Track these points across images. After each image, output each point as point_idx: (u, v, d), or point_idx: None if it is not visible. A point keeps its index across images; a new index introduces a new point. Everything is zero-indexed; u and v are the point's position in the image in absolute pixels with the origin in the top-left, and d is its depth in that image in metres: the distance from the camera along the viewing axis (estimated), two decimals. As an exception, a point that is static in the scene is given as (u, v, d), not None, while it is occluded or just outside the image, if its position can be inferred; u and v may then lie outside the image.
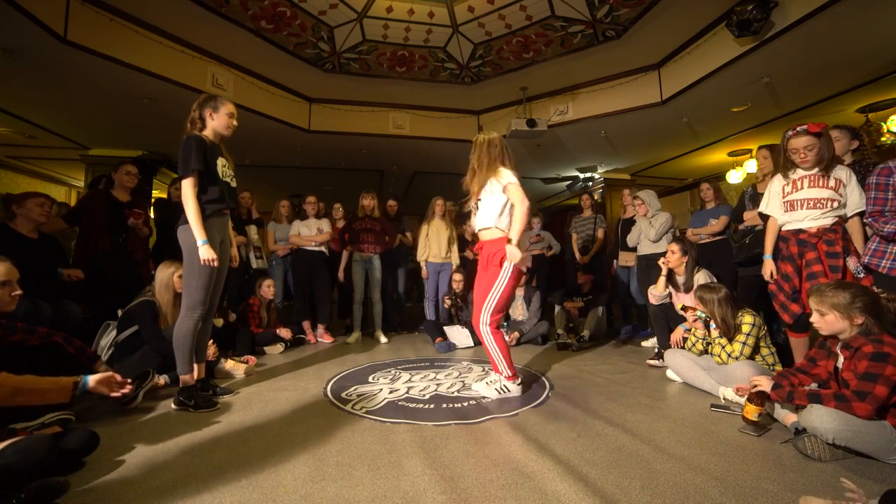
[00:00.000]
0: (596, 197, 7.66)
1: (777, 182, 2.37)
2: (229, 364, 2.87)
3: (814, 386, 1.80)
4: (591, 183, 8.19)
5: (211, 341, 2.53)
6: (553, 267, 5.67)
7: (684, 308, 2.72)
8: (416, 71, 5.32)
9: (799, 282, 2.24)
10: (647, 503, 1.25)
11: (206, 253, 2.06)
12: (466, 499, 1.28)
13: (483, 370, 2.94)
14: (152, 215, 4.26)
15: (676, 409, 2.10)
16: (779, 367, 2.33)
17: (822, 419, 1.50)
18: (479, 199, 2.40)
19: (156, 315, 2.57)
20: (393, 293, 4.93)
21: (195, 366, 2.21)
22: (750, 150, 6.62)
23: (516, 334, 3.98)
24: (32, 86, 4.38)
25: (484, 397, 2.31)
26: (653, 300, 3.19)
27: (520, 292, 4.28)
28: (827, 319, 1.68)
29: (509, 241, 2.26)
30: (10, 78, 4.18)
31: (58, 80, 4.25)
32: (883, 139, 5.03)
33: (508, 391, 2.33)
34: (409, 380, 2.70)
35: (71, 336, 2.10)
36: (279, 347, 3.78)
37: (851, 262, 2.11)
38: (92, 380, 1.48)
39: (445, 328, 4.04)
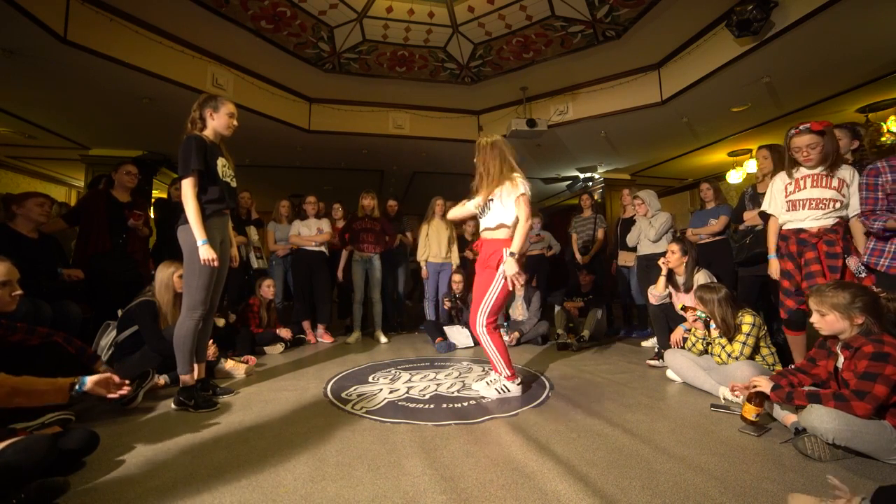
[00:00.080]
0: (596, 197, 7.66)
1: (779, 181, 2.36)
2: (229, 364, 2.87)
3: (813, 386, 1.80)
4: (591, 183, 8.19)
5: (211, 341, 2.53)
6: (553, 267, 5.67)
7: (684, 308, 2.72)
8: (416, 71, 5.33)
9: (800, 279, 2.25)
10: (647, 503, 1.25)
11: (206, 253, 2.06)
12: (466, 499, 1.28)
13: (483, 370, 2.94)
14: (152, 215, 4.26)
15: (676, 409, 2.10)
16: (779, 367, 2.33)
17: (822, 419, 1.50)
18: (491, 200, 2.39)
19: (156, 315, 2.57)
20: (393, 293, 4.93)
21: (195, 366, 2.21)
22: (750, 150, 6.62)
23: (516, 334, 3.98)
24: (32, 86, 4.38)
25: (484, 397, 2.31)
26: (653, 300, 3.19)
27: (520, 292, 4.28)
28: (827, 320, 1.68)
29: (511, 254, 2.27)
30: (10, 78, 4.18)
31: (58, 80, 4.25)
32: (883, 139, 5.03)
33: (508, 391, 2.33)
34: (409, 380, 2.70)
35: (71, 336, 2.11)
36: (279, 347, 3.78)
37: (852, 262, 2.11)
38: (89, 381, 1.48)
39: (445, 328, 4.04)
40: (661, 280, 3.11)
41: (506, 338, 3.78)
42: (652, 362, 3.07)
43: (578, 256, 4.98)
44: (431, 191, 5.32)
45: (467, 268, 4.58)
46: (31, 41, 3.57)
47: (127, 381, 1.60)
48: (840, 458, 1.50)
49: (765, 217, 2.52)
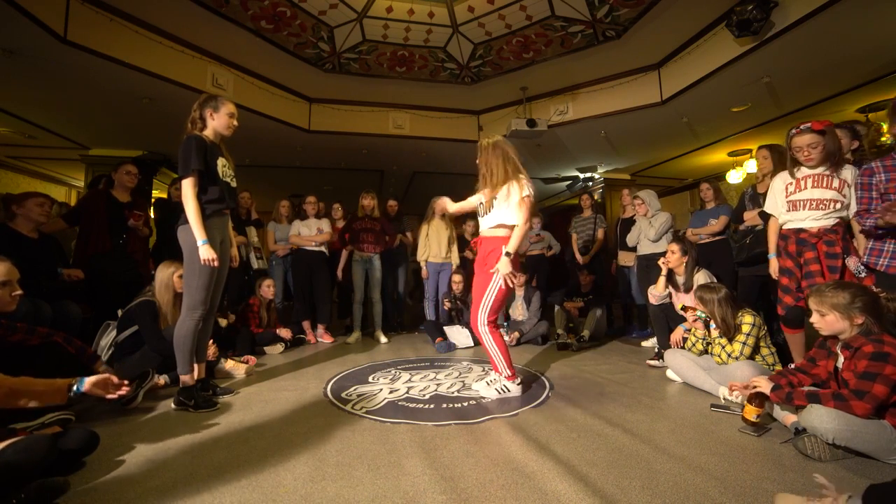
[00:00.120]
0: (596, 197, 7.66)
1: (780, 180, 2.36)
2: (229, 364, 2.87)
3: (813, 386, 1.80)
4: (591, 183, 8.19)
5: (211, 341, 2.53)
6: (553, 267, 5.67)
7: (684, 308, 2.72)
8: (416, 71, 5.32)
9: (799, 276, 2.25)
10: (647, 503, 1.25)
11: (206, 253, 2.06)
12: (466, 499, 1.28)
13: (483, 370, 2.94)
14: (152, 215, 4.26)
15: (676, 409, 2.10)
16: (779, 367, 2.33)
17: (822, 419, 1.50)
18: (495, 199, 2.38)
19: (156, 315, 2.57)
20: (393, 293, 4.94)
21: (195, 366, 2.21)
22: (750, 150, 6.62)
23: (516, 334, 3.98)
24: (32, 86, 4.37)
25: (484, 397, 2.31)
26: (653, 300, 3.19)
27: (520, 292, 4.28)
28: (827, 320, 1.68)
29: (507, 254, 2.27)
30: (10, 78, 4.17)
31: (58, 80, 4.25)
32: (883, 139, 5.02)
33: (508, 391, 2.33)
34: (409, 380, 2.70)
35: (71, 336, 2.11)
36: (279, 347, 3.78)
37: (852, 262, 2.12)
38: (87, 383, 1.47)
39: (445, 328, 4.04)
40: (661, 280, 3.11)
41: (506, 338, 3.78)
42: (652, 362, 3.07)
43: (578, 256, 4.98)
44: (431, 191, 5.33)
45: (467, 268, 4.58)
46: (31, 41, 3.56)
47: (126, 381, 1.59)
48: (840, 458, 1.50)
49: (765, 217, 2.51)
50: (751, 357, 2.34)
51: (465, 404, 2.21)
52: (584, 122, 5.69)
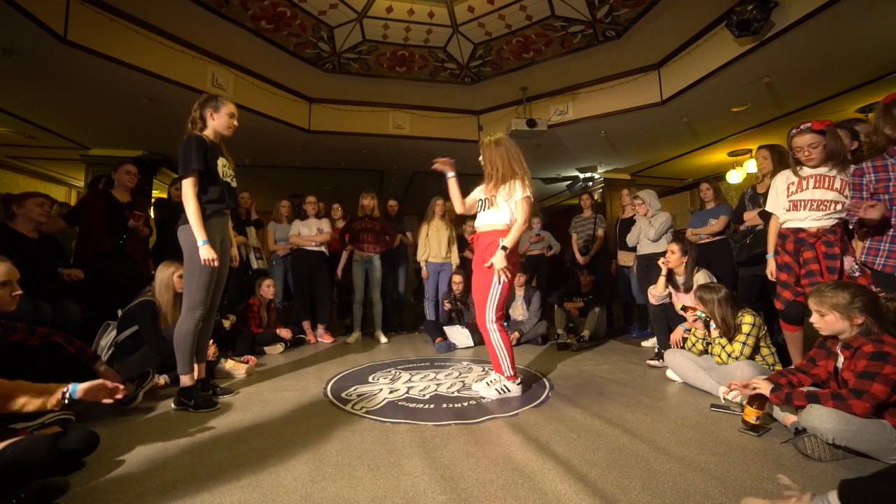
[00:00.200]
0: (596, 197, 7.66)
1: (783, 179, 2.35)
2: (229, 364, 2.87)
3: (813, 386, 1.80)
4: (591, 183, 8.19)
5: (211, 341, 2.53)
6: (553, 267, 5.67)
7: (684, 308, 2.72)
8: (416, 71, 5.33)
9: (798, 270, 2.25)
10: (647, 503, 1.25)
11: (206, 253, 2.06)
12: (466, 499, 1.28)
13: (483, 370, 2.94)
14: (152, 215, 4.26)
15: (676, 409, 2.10)
16: (779, 367, 2.33)
17: (822, 419, 1.50)
18: (496, 196, 2.39)
19: (156, 315, 2.58)
20: (393, 293, 4.94)
21: (195, 366, 2.21)
22: (750, 150, 6.62)
23: (516, 334, 3.98)
24: (32, 86, 4.37)
25: (483, 397, 2.31)
26: (653, 300, 3.19)
27: (520, 292, 4.28)
28: (827, 320, 1.68)
29: (503, 248, 2.28)
30: (10, 78, 4.17)
31: (58, 80, 4.25)
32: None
33: (508, 391, 2.33)
34: (409, 380, 2.70)
35: (71, 336, 2.10)
36: (279, 347, 3.79)
37: (847, 262, 2.12)
38: (79, 390, 1.42)
39: (445, 328, 4.04)
40: (661, 280, 3.11)
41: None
42: (652, 362, 3.07)
43: (578, 256, 4.99)
44: (431, 191, 5.32)
45: (467, 268, 4.58)
46: (31, 41, 3.56)
47: (121, 385, 1.55)
48: (840, 458, 1.50)
49: (765, 217, 2.51)
50: (751, 357, 2.34)
51: (465, 404, 2.21)
52: (584, 122, 5.69)
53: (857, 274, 2.09)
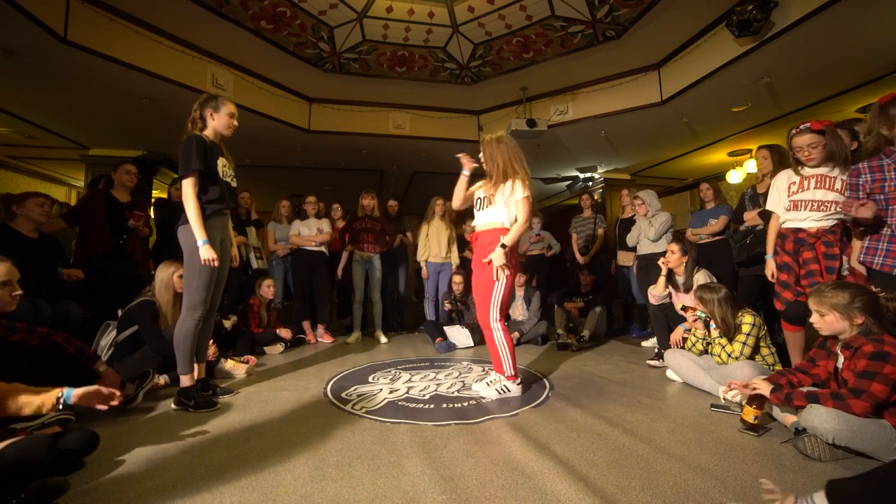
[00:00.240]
0: (596, 197, 7.66)
1: (785, 177, 2.35)
2: (229, 364, 2.87)
3: (813, 386, 1.80)
4: (591, 183, 8.19)
5: (211, 341, 2.53)
6: (553, 267, 5.67)
7: (684, 308, 2.72)
8: (416, 71, 5.32)
9: (797, 269, 2.26)
10: (647, 503, 1.25)
11: (206, 253, 2.06)
12: (466, 499, 1.28)
13: (483, 370, 2.94)
14: (152, 215, 4.26)
15: (676, 409, 2.10)
16: (779, 367, 2.33)
17: (822, 419, 1.50)
18: (494, 195, 2.39)
19: (156, 315, 2.58)
20: (393, 293, 4.94)
21: (195, 366, 2.21)
22: (750, 150, 6.62)
23: (516, 334, 3.98)
24: (32, 86, 4.37)
25: (483, 397, 2.30)
26: (653, 300, 3.19)
27: (520, 292, 4.28)
28: (827, 320, 1.68)
29: (503, 245, 2.28)
30: (10, 78, 4.17)
31: (58, 80, 4.25)
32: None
33: (508, 391, 2.32)
34: (409, 380, 2.70)
35: (71, 336, 2.10)
36: (279, 347, 3.79)
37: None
38: (74, 395, 1.41)
39: (445, 328, 4.04)
40: (661, 280, 3.11)
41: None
42: (652, 362, 3.07)
43: (578, 256, 4.99)
44: (431, 191, 5.33)
45: (467, 268, 4.58)
46: (31, 41, 3.56)
47: (117, 392, 1.52)
48: (840, 457, 1.50)
49: (765, 217, 2.51)
50: (751, 357, 2.34)
51: (465, 404, 2.21)
52: (584, 122, 5.69)
53: (845, 273, 2.11)
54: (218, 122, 2.23)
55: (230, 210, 2.33)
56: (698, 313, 2.54)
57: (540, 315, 4.22)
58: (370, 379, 2.74)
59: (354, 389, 2.48)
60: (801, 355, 2.30)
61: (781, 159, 2.90)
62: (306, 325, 4.30)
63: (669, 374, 2.69)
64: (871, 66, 4.23)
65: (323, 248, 4.37)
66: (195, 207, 2.08)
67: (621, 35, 4.54)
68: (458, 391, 2.45)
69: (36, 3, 3.31)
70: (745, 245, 3.21)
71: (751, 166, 6.57)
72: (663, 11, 4.13)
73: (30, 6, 3.25)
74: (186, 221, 2.10)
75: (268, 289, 4.00)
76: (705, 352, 2.56)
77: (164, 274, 2.63)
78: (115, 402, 1.51)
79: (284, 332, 3.88)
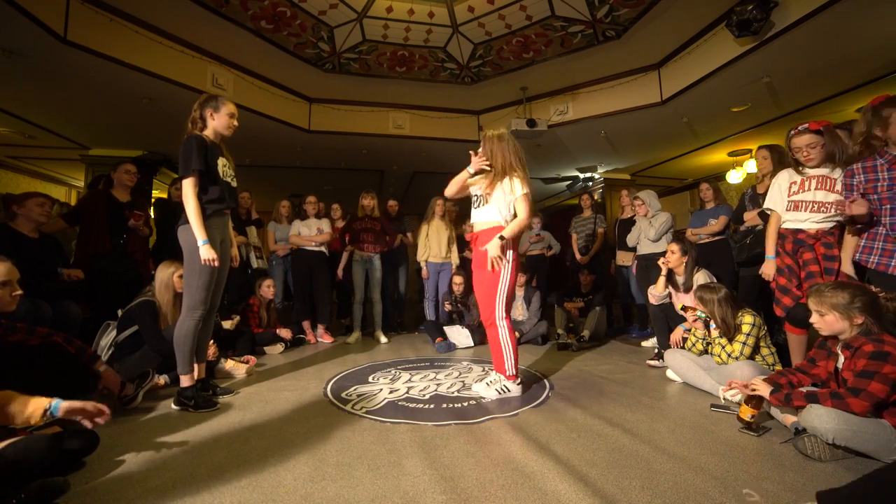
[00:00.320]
0: (596, 197, 7.67)
1: (786, 176, 2.35)
2: (229, 364, 2.87)
3: (813, 387, 1.80)
4: (591, 183, 8.19)
5: (211, 341, 2.53)
6: (553, 267, 5.67)
7: (684, 308, 2.72)
8: (416, 71, 5.33)
9: (798, 271, 2.25)
10: (647, 503, 1.25)
11: (206, 253, 2.06)
12: (466, 499, 1.28)
13: (483, 370, 2.94)
14: (152, 215, 4.27)
15: (676, 409, 2.10)
16: (779, 367, 2.33)
17: (822, 419, 1.50)
18: (489, 193, 2.39)
19: (156, 315, 2.57)
20: (393, 293, 4.94)
21: (195, 366, 2.21)
22: (750, 150, 6.62)
23: (516, 334, 3.97)
24: (32, 86, 4.38)
25: (483, 397, 2.30)
26: (652, 300, 3.19)
27: (520, 292, 4.28)
28: (827, 320, 1.68)
29: (501, 237, 2.29)
30: (10, 78, 4.18)
31: (58, 80, 4.25)
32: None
33: (508, 391, 2.32)
34: (409, 380, 2.70)
35: (71, 336, 2.10)
36: (279, 347, 3.78)
37: None
38: (61, 409, 1.38)
39: (445, 328, 4.04)
40: (661, 280, 3.11)
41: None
42: (652, 362, 3.07)
43: (578, 256, 4.99)
44: (431, 191, 5.32)
45: (467, 268, 4.58)
46: (31, 41, 3.57)
47: (105, 409, 1.46)
48: (840, 458, 1.50)
49: (765, 217, 2.51)
50: (751, 357, 2.34)
51: (465, 404, 2.21)
52: (584, 122, 5.69)
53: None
54: (218, 122, 2.23)
55: (230, 210, 2.33)
56: (698, 313, 2.54)
57: (540, 315, 4.22)
58: (370, 379, 2.74)
59: (354, 389, 2.48)
60: (802, 358, 2.29)
61: (781, 159, 2.90)
62: (306, 325, 4.30)
63: (669, 374, 2.69)
64: (871, 66, 4.23)
65: (323, 248, 4.37)
66: (195, 207, 2.07)
67: (621, 35, 4.54)
68: (458, 391, 2.45)
69: (36, 3, 3.31)
70: (745, 245, 3.21)
71: (751, 166, 6.57)
72: (663, 11, 4.13)
73: (30, 6, 3.25)
74: (186, 221, 2.10)
75: (268, 289, 4.00)
76: (705, 352, 2.56)
77: (164, 274, 2.63)
78: (100, 421, 1.45)
79: (284, 332, 3.88)
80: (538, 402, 2.24)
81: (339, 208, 4.96)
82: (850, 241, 2.12)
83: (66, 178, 7.88)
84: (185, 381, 2.17)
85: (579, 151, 6.86)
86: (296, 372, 3.00)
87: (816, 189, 2.22)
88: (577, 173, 8.00)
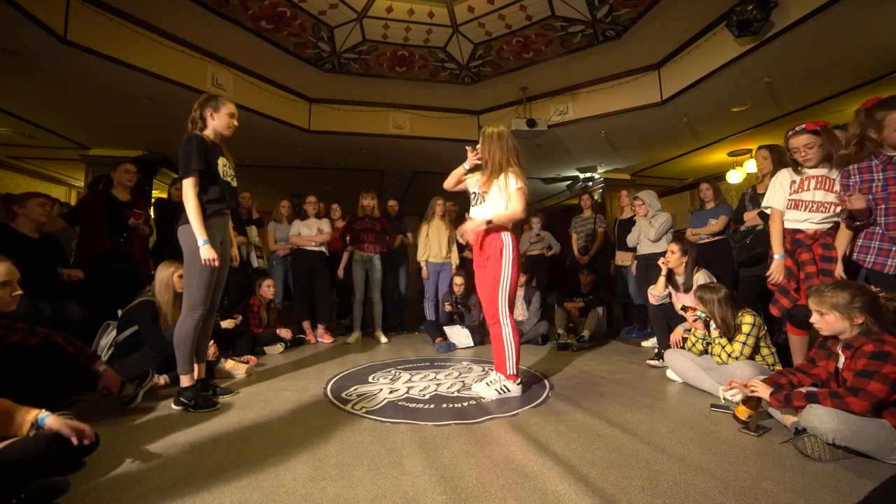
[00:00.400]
0: (596, 197, 7.67)
1: (785, 176, 2.35)
2: (229, 364, 2.87)
3: (813, 387, 1.80)
4: (591, 183, 8.19)
5: (211, 341, 2.53)
6: (553, 267, 5.67)
7: (684, 308, 2.72)
8: (416, 71, 5.33)
9: (797, 272, 2.25)
10: (647, 503, 1.25)
11: (206, 253, 2.06)
12: (466, 499, 1.28)
13: (483, 370, 2.94)
14: (152, 215, 4.27)
15: (676, 409, 2.10)
16: (779, 367, 2.33)
17: (822, 419, 1.50)
18: (486, 192, 2.40)
19: (156, 315, 2.57)
20: (393, 293, 4.94)
21: (195, 366, 2.21)
22: (750, 150, 6.62)
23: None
24: (32, 86, 4.37)
25: (483, 397, 2.30)
26: (652, 300, 3.19)
27: (520, 292, 4.28)
28: (827, 320, 1.68)
29: (488, 221, 2.30)
30: (10, 78, 4.17)
31: (58, 80, 4.25)
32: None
33: (508, 391, 2.32)
34: (409, 380, 2.70)
35: (71, 336, 2.10)
36: (279, 347, 3.78)
37: None
38: (46, 424, 1.38)
39: (445, 328, 4.04)
40: (661, 280, 3.11)
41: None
42: (652, 362, 3.07)
43: (579, 256, 4.99)
44: (431, 191, 5.32)
45: (467, 268, 4.58)
46: (31, 41, 3.56)
47: (87, 429, 1.43)
48: (840, 458, 1.50)
49: (765, 217, 2.51)
50: (751, 357, 2.34)
51: (465, 404, 2.21)
52: (584, 122, 5.69)
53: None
54: (218, 122, 2.23)
55: (230, 210, 2.33)
56: (698, 313, 2.54)
57: (540, 315, 4.22)
58: (370, 379, 2.74)
59: (354, 389, 2.48)
60: (803, 359, 2.29)
61: (781, 159, 2.90)
62: (306, 325, 4.30)
63: (669, 374, 2.69)
64: (871, 66, 4.23)
65: (323, 248, 4.37)
66: (195, 207, 2.07)
67: (621, 35, 4.54)
68: (458, 391, 2.45)
69: (36, 3, 3.31)
70: (745, 245, 3.21)
71: (751, 166, 6.57)
72: (663, 11, 4.13)
73: (30, 6, 3.25)
74: (187, 221, 2.10)
75: (268, 289, 4.00)
76: (705, 352, 2.56)
77: (164, 274, 2.63)
78: (85, 442, 1.42)
79: (284, 332, 3.88)
80: (538, 402, 2.24)
81: (338, 208, 4.96)
82: (843, 235, 2.12)
83: (66, 178, 7.88)
84: (185, 381, 2.17)
85: (579, 151, 6.86)
86: (296, 372, 3.00)
87: (816, 189, 2.22)
88: (577, 173, 7.99)
